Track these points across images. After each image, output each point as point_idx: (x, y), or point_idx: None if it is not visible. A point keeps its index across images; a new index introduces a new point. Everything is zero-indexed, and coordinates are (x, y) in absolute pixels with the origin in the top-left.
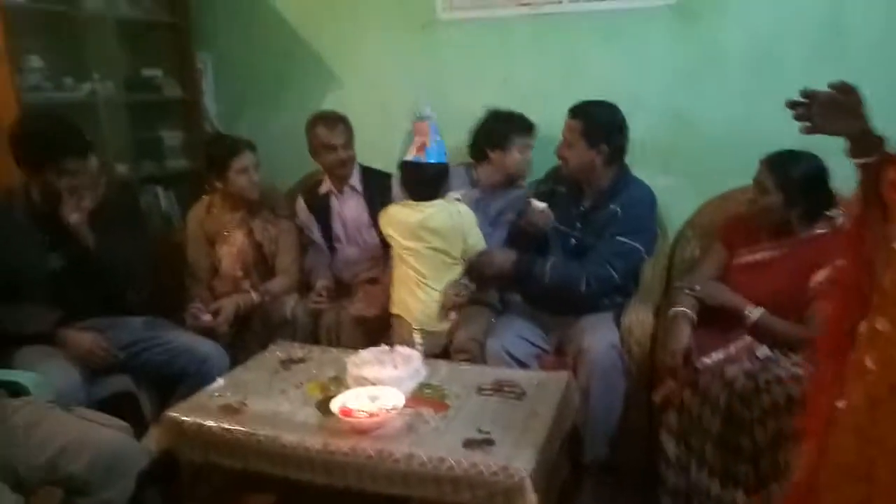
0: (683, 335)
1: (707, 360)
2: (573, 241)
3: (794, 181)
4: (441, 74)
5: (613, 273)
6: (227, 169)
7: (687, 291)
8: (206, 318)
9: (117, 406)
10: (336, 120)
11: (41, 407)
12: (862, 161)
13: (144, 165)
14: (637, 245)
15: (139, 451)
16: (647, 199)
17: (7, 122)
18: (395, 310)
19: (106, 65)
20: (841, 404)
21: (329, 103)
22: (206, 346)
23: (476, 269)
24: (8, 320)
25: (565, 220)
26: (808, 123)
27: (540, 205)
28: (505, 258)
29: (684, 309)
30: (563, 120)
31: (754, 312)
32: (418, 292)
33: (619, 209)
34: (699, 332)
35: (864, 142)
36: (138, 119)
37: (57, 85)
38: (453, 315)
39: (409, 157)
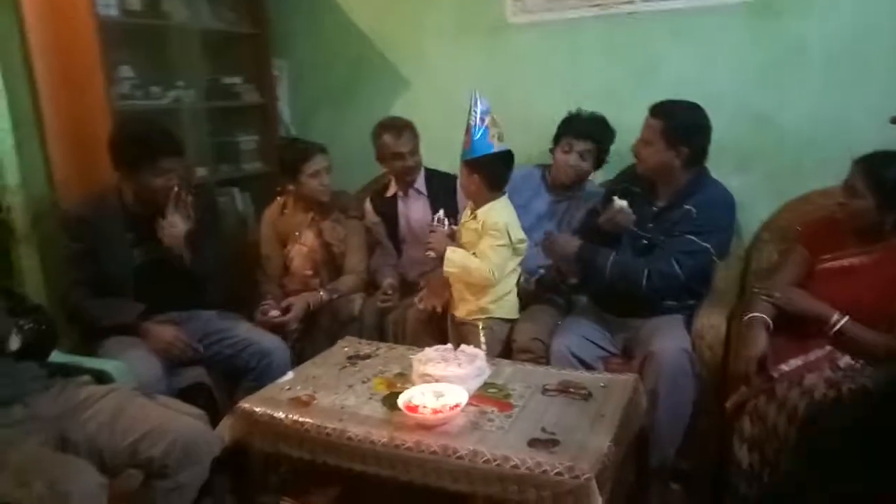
0: (759, 341)
1: (784, 368)
2: (644, 241)
3: (889, 183)
4: (511, 77)
5: (679, 271)
6: (300, 172)
7: (764, 297)
8: (276, 314)
9: (193, 396)
10: (402, 127)
11: (126, 394)
12: None
13: (222, 168)
14: (707, 245)
15: (214, 438)
16: (725, 201)
17: (100, 129)
18: (464, 315)
19: (190, 73)
20: None
21: (398, 107)
22: (270, 342)
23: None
24: (96, 311)
25: (638, 221)
26: None
27: (621, 202)
28: (567, 243)
29: (760, 314)
30: (636, 122)
31: (839, 320)
32: (501, 290)
33: (693, 209)
34: (776, 339)
35: None
36: (217, 124)
37: (145, 93)
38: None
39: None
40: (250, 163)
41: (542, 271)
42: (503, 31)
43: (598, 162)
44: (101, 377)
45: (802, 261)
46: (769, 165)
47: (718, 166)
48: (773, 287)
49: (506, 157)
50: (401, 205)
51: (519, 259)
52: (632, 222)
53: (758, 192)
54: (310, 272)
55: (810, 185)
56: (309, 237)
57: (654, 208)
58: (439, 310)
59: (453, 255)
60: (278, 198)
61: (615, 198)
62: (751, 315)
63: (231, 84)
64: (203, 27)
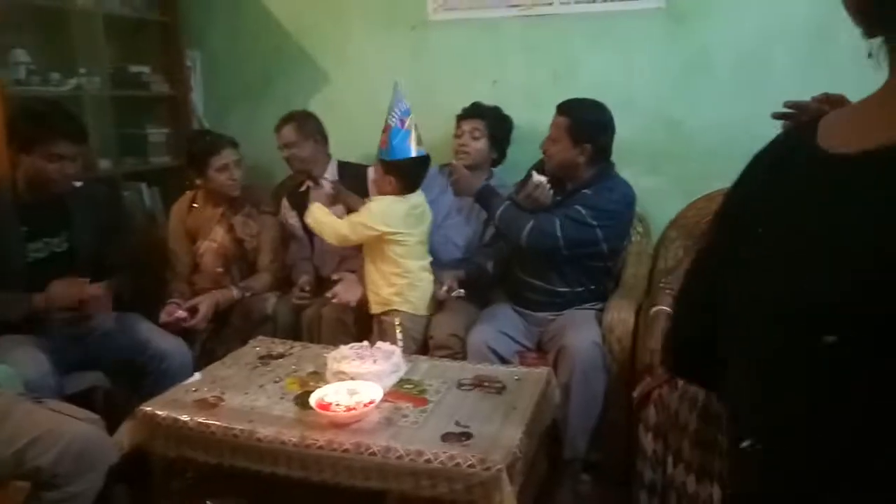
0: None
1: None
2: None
3: None
4: (430, 74)
5: (559, 233)
6: (208, 166)
7: (668, 291)
8: (182, 314)
9: (88, 400)
10: (284, 121)
11: (9, 399)
12: None
13: (128, 161)
14: (593, 222)
15: (110, 445)
16: (621, 191)
17: None
18: (374, 309)
19: (93, 60)
20: None
21: (317, 100)
22: (168, 343)
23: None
24: None
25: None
26: None
27: (540, 178)
28: (470, 180)
29: (665, 307)
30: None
31: None
32: (401, 282)
33: (589, 192)
34: None
35: None
36: (124, 115)
37: (43, 79)
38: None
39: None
40: (159, 156)
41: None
42: (425, 28)
43: (499, 150)
44: None
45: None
46: (679, 167)
47: (630, 167)
48: (676, 281)
49: (423, 161)
50: (313, 196)
51: (426, 251)
52: (550, 198)
53: (667, 193)
54: (220, 269)
55: (714, 186)
56: (219, 233)
57: (558, 197)
58: (353, 304)
59: (317, 210)
60: (187, 192)
61: (534, 172)
62: (656, 308)
63: (139, 73)
64: (108, 12)
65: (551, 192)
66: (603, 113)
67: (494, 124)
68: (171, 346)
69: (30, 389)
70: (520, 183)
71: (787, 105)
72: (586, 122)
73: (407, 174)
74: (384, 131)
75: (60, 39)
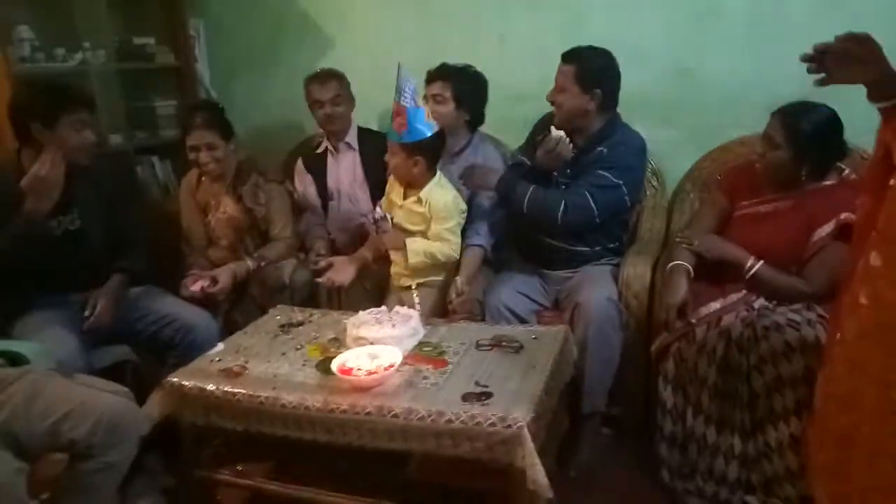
0: (680, 288)
1: (703, 311)
2: (563, 186)
3: (806, 135)
4: (440, 35)
5: (592, 204)
6: (185, 147)
7: (685, 246)
8: (202, 285)
9: (118, 374)
10: (328, 76)
11: (42, 375)
12: (883, 105)
13: (139, 135)
14: (619, 182)
15: (141, 416)
16: (635, 143)
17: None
18: (401, 282)
19: (97, 34)
20: (837, 337)
21: (322, 66)
22: (194, 316)
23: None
24: None
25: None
26: (823, 75)
27: (559, 133)
28: (487, 174)
29: (681, 262)
30: None
31: (754, 265)
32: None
33: (605, 149)
34: (697, 285)
35: (886, 85)
36: (131, 88)
37: (48, 55)
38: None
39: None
40: (169, 129)
41: None
42: None
43: (472, 111)
44: (15, 360)
45: (721, 207)
46: (692, 118)
47: (644, 119)
48: (692, 235)
49: (441, 135)
50: (330, 160)
51: None
52: (570, 152)
53: (682, 145)
54: (234, 240)
55: (731, 135)
56: (229, 204)
57: (572, 153)
58: (345, 285)
59: (414, 245)
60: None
61: (552, 128)
62: (672, 263)
63: (143, 45)
64: None
65: (571, 145)
66: (609, 58)
67: (460, 86)
68: (198, 317)
69: (60, 366)
70: (530, 145)
71: (814, 48)
72: (594, 68)
73: (434, 151)
74: (398, 114)
75: (62, 14)
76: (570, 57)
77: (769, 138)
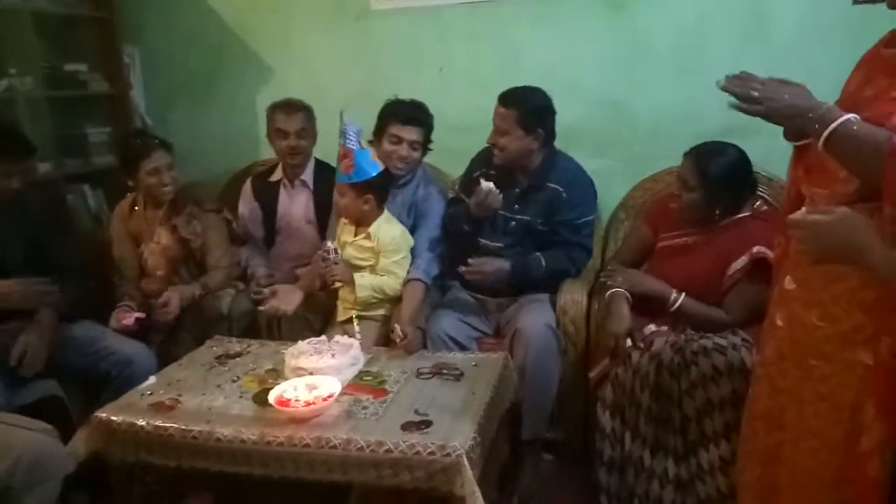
0: (624, 316)
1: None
2: (513, 223)
3: (716, 177)
4: (376, 65)
5: (589, 252)
6: (138, 169)
7: (609, 283)
8: (132, 318)
9: (44, 411)
10: (296, 108)
11: None
12: (797, 143)
13: (69, 163)
14: (592, 217)
15: (65, 455)
16: (586, 178)
17: None
18: (342, 316)
19: (24, 60)
20: (757, 358)
21: (263, 95)
22: (131, 348)
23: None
24: None
25: (503, 204)
26: (757, 106)
27: (488, 184)
28: (499, 268)
29: (619, 289)
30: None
31: (677, 298)
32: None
33: (561, 189)
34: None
35: (806, 127)
36: (62, 115)
37: None
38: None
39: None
40: (101, 156)
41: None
42: (368, 18)
43: (424, 150)
44: None
45: (644, 238)
46: (623, 149)
47: (578, 149)
48: (617, 271)
49: (388, 173)
50: (283, 193)
51: None
52: (500, 203)
53: (614, 174)
54: (168, 271)
55: (659, 166)
56: (163, 235)
57: (517, 189)
58: (289, 313)
59: (363, 280)
60: (128, 194)
61: (481, 180)
62: (611, 291)
63: (75, 72)
64: (36, 8)
65: (500, 195)
66: (545, 96)
67: (429, 132)
68: (135, 350)
69: None
70: (463, 183)
71: (729, 79)
72: (534, 109)
73: (382, 189)
74: (345, 156)
75: None
76: (509, 100)
77: (683, 180)
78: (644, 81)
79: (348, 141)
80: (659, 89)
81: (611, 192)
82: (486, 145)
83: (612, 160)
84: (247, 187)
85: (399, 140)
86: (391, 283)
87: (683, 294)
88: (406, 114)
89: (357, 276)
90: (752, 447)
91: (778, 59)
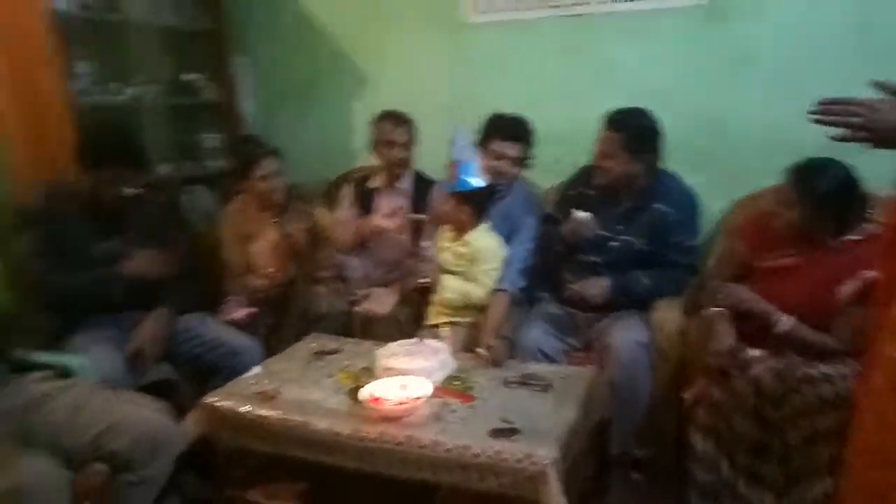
0: (727, 334)
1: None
2: (615, 243)
3: (821, 197)
4: (470, 76)
5: (697, 274)
6: (250, 175)
7: (715, 301)
8: (241, 314)
9: (159, 393)
10: (403, 119)
11: (87, 388)
12: None
13: (186, 166)
14: (696, 243)
15: (179, 434)
16: (690, 195)
17: (61, 126)
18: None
19: (148, 70)
20: (866, 389)
21: (360, 105)
22: (240, 340)
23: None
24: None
25: (604, 224)
26: (843, 131)
27: (584, 215)
28: (601, 290)
29: (723, 308)
30: (593, 121)
31: (786, 322)
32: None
33: (667, 210)
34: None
35: None
36: (179, 122)
37: (103, 89)
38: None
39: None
40: (214, 160)
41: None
42: (463, 30)
43: (524, 165)
44: (63, 373)
45: (741, 257)
46: (722, 165)
47: (674, 166)
48: (719, 287)
49: (490, 190)
50: (380, 200)
51: None
52: (594, 233)
53: (712, 191)
54: (273, 269)
55: (761, 183)
56: (270, 233)
57: (620, 209)
58: (384, 314)
59: (452, 282)
60: (239, 195)
61: (576, 212)
62: (712, 310)
63: (191, 81)
64: (161, 24)
65: (596, 225)
66: (653, 119)
67: (530, 148)
68: (242, 342)
69: (105, 382)
70: (560, 201)
71: (821, 103)
72: (641, 133)
73: (480, 202)
74: (452, 165)
75: (117, 50)
76: (615, 124)
77: (786, 197)
78: (742, 95)
79: (456, 152)
80: (758, 103)
81: (708, 210)
82: (584, 166)
83: (707, 176)
84: (346, 192)
85: (501, 156)
86: (476, 291)
87: (794, 318)
88: (508, 130)
89: (444, 277)
90: (857, 482)
91: (884, 73)
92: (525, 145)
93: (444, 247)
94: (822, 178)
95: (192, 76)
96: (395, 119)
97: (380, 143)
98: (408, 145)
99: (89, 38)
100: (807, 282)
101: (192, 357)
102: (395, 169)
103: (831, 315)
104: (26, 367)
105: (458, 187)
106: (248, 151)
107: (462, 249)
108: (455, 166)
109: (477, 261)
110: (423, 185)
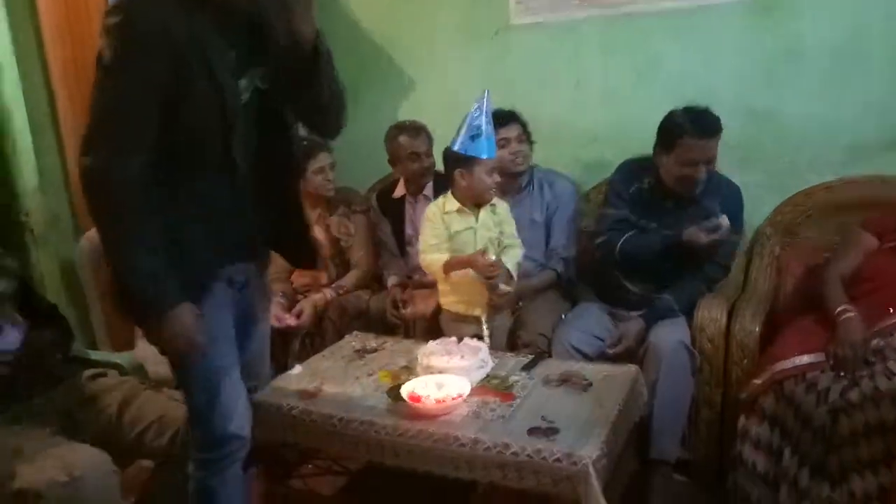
0: (859, 326)
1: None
2: (670, 234)
3: None
4: (514, 78)
5: (726, 270)
6: (306, 169)
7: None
8: (289, 321)
9: None
10: (418, 129)
11: (133, 386)
12: None
13: None
14: (739, 240)
15: None
16: (735, 189)
17: None
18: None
19: None
20: None
21: (405, 108)
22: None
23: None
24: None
25: (657, 217)
26: None
27: (725, 220)
28: (634, 336)
29: (846, 306)
30: (638, 120)
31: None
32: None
33: (715, 206)
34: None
35: None
36: None
37: None
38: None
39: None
40: None
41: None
42: (508, 32)
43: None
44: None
45: (868, 244)
46: (769, 162)
47: (722, 163)
48: (839, 268)
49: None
50: (408, 208)
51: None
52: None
53: (759, 189)
54: (318, 269)
55: (810, 181)
56: (317, 233)
57: (668, 205)
58: (428, 314)
59: (510, 262)
60: None
61: (723, 217)
62: (840, 307)
63: None
64: None
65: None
66: None
67: (524, 124)
68: None
69: (150, 378)
70: (624, 197)
71: None
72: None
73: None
74: (478, 135)
75: None
76: (716, 129)
77: None
78: (791, 90)
79: (483, 118)
80: (808, 98)
81: (755, 207)
82: (627, 160)
83: (755, 174)
84: (374, 203)
85: (504, 143)
86: (519, 252)
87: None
88: (495, 119)
89: (503, 260)
90: None
91: None
92: (518, 124)
93: (470, 227)
94: None
95: None
96: (411, 130)
97: (403, 158)
98: (429, 152)
99: None
100: None
101: None
102: (420, 179)
103: None
104: (78, 365)
105: (489, 154)
106: (304, 146)
107: (491, 217)
108: (482, 135)
109: (507, 222)
110: (442, 185)
